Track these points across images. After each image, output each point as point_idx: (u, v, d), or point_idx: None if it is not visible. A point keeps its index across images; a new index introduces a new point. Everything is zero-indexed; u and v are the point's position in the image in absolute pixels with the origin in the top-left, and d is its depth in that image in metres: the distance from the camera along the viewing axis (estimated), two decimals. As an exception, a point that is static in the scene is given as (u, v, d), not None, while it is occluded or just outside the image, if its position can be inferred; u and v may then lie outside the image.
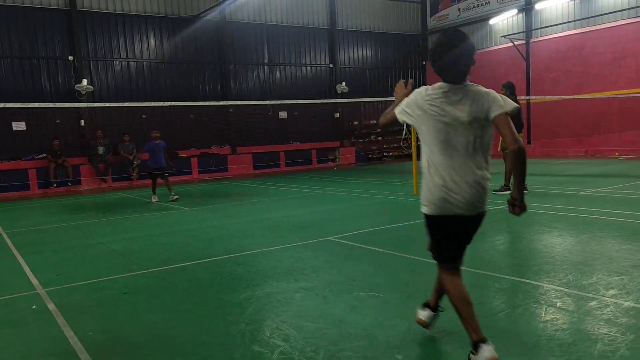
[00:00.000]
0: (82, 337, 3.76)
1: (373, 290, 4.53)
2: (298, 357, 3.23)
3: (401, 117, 3.10)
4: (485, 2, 22.73)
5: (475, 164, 2.92)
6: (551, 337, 3.33)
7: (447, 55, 2.91)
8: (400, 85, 3.38)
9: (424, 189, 3.01)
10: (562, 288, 4.29)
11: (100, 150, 17.54)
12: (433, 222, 3.04)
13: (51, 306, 4.51)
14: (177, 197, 12.03)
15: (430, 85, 3.01)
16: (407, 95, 3.17)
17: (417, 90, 3.10)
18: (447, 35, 2.97)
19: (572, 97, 18.51)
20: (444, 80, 2.98)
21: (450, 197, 2.90)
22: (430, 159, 2.97)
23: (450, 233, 3.03)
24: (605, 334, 3.34)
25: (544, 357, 3.09)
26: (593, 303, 3.90)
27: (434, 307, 3.47)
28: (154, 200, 12.13)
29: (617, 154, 18.14)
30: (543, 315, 3.73)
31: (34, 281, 5.42)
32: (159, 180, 12.38)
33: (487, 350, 2.84)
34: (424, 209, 3.03)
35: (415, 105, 3.02)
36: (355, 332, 3.58)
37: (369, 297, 4.34)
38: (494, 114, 2.85)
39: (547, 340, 3.30)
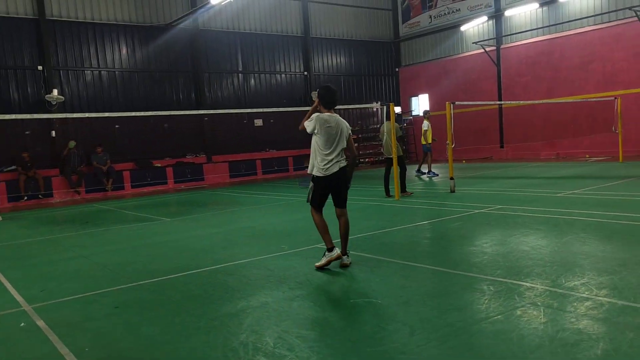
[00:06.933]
0: (78, 353, 3.66)
1: (370, 296, 4.53)
2: (305, 366, 3.20)
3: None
4: (456, 10, 23.12)
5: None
6: (553, 338, 3.38)
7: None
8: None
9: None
10: (555, 289, 4.36)
11: (71, 144, 17.02)
12: (321, 181, 5.60)
13: (40, 323, 4.37)
14: None
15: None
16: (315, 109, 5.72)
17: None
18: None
19: (542, 101, 18.94)
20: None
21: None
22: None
23: (324, 188, 5.64)
24: (605, 332, 3.40)
25: (549, 358, 3.13)
26: (588, 303, 3.97)
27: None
28: None
29: (587, 156, 18.60)
30: (542, 316, 3.78)
31: (19, 298, 5.24)
32: None
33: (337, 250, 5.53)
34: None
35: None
36: (359, 340, 3.56)
37: (366, 304, 4.33)
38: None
39: (549, 341, 3.35)
